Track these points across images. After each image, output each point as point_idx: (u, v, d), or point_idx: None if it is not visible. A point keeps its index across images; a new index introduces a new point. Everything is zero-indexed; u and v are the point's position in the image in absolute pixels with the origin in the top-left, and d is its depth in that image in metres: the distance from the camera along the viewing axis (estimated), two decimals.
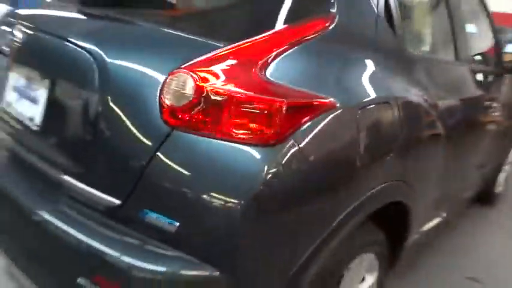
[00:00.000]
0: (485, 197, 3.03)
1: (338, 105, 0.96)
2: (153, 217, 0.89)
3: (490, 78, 2.18)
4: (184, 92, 0.87)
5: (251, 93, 0.87)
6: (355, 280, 1.31)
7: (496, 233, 2.78)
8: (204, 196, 0.86)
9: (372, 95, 1.08)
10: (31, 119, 1.15)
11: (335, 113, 0.95)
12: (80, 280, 0.92)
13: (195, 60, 0.90)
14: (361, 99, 1.05)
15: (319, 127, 0.92)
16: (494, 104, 2.04)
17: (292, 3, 1.08)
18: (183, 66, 0.89)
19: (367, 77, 1.11)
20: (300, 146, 0.88)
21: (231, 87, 0.87)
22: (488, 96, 1.99)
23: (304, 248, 0.95)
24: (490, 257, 2.43)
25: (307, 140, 0.89)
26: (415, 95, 1.30)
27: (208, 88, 0.86)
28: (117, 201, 0.93)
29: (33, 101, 1.15)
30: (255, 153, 0.86)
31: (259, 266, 0.92)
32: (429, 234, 1.89)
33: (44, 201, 1.05)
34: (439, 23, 1.75)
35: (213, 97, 0.86)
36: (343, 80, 1.05)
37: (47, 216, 1.00)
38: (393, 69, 1.24)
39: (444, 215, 2.03)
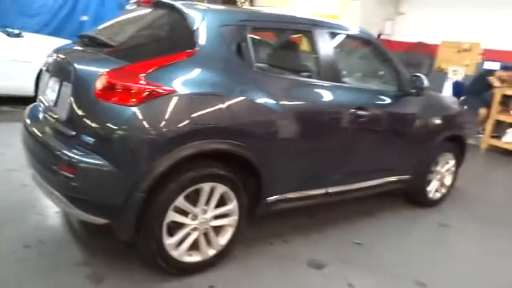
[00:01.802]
0: (416, 199, 3.74)
1: (176, 92, 2.00)
2: (85, 138, 1.99)
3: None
4: (102, 83, 1.97)
5: (130, 84, 1.94)
6: (213, 199, 2.25)
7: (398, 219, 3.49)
8: (105, 126, 1.94)
9: (204, 89, 2.10)
10: (52, 100, 2.33)
11: (172, 96, 1.99)
12: (54, 167, 2.03)
13: (110, 69, 2.00)
14: (194, 90, 2.06)
15: (160, 100, 1.96)
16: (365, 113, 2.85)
17: (170, 42, 2.17)
18: (103, 72, 1.99)
19: (204, 79, 2.13)
20: (148, 106, 1.93)
21: (122, 81, 1.95)
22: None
23: (156, 155, 1.96)
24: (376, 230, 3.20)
25: (151, 104, 1.94)
26: (247, 92, 2.26)
27: (112, 81, 1.95)
28: (74, 132, 2.04)
29: (54, 91, 2.33)
30: (128, 109, 1.92)
31: (128, 162, 1.96)
32: (305, 200, 2.74)
33: (50, 136, 2.20)
34: (291, 54, 2.71)
35: (113, 85, 1.95)
36: (189, 80, 2.08)
37: (50, 141, 2.14)
38: (234, 78, 2.23)
39: (329, 190, 2.86)
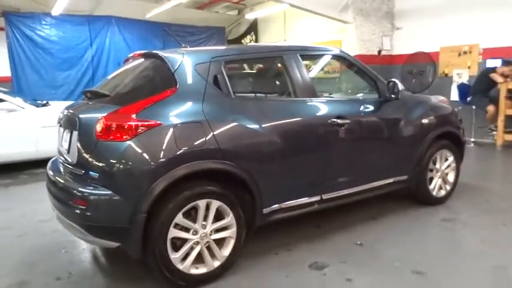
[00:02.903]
0: (421, 199, 3.85)
1: (163, 124, 2.34)
2: (91, 173, 2.35)
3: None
4: (100, 125, 2.34)
5: (122, 123, 2.31)
6: (210, 214, 2.52)
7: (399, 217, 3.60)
8: (105, 161, 2.30)
9: (187, 119, 2.43)
10: (66, 149, 2.73)
11: (160, 128, 2.34)
12: (70, 203, 2.39)
13: (106, 114, 2.38)
14: (178, 121, 2.40)
15: (149, 133, 2.31)
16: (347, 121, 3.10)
17: (155, 85, 2.55)
18: (101, 117, 2.37)
19: (186, 110, 2.48)
20: (138, 139, 2.29)
21: (116, 121, 2.32)
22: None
23: (150, 180, 2.28)
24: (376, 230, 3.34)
25: (142, 137, 2.29)
26: (228, 116, 2.58)
27: (108, 123, 2.32)
28: (83, 171, 2.41)
29: (66, 141, 2.74)
30: (123, 144, 2.28)
31: (128, 189, 2.29)
32: (302, 208, 2.96)
33: (65, 179, 2.58)
34: (265, 79, 3.03)
35: (109, 126, 2.32)
36: (172, 113, 2.43)
37: (66, 182, 2.51)
38: (213, 106, 2.56)
39: (323, 196, 3.07)
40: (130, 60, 3.10)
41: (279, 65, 3.07)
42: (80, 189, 2.36)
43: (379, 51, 8.60)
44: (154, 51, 2.78)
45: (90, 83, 10.27)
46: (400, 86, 3.35)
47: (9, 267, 2.96)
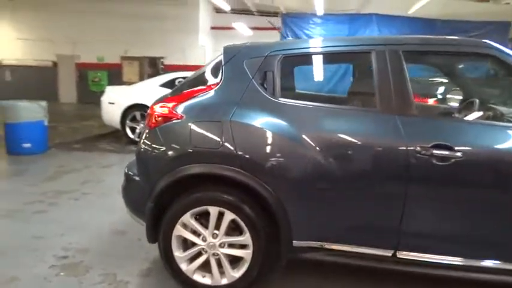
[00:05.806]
0: None
1: (184, 118, 2.27)
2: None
3: None
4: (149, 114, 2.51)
5: (150, 111, 2.39)
6: (222, 225, 2.26)
7: None
8: (139, 143, 2.46)
9: (208, 117, 2.24)
10: None
11: (179, 122, 2.27)
12: None
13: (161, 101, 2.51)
14: (199, 118, 2.25)
15: (170, 124, 2.28)
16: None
17: (208, 77, 2.46)
18: (151, 105, 2.52)
19: (214, 107, 2.28)
20: (158, 129, 2.30)
21: (151, 110, 2.42)
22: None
23: (158, 172, 2.28)
24: None
25: (162, 128, 2.30)
26: (261, 122, 2.19)
27: (149, 111, 2.45)
28: None
29: None
30: (148, 131, 2.37)
31: (143, 175, 2.37)
32: (358, 258, 2.19)
33: None
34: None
35: (151, 115, 2.43)
36: (199, 109, 2.29)
37: None
38: (249, 107, 2.22)
39: (398, 254, 2.16)
40: None
41: (364, 64, 2.28)
42: (129, 165, 2.65)
43: None
44: (226, 45, 2.63)
45: (341, 79, 10.58)
46: None
47: None
